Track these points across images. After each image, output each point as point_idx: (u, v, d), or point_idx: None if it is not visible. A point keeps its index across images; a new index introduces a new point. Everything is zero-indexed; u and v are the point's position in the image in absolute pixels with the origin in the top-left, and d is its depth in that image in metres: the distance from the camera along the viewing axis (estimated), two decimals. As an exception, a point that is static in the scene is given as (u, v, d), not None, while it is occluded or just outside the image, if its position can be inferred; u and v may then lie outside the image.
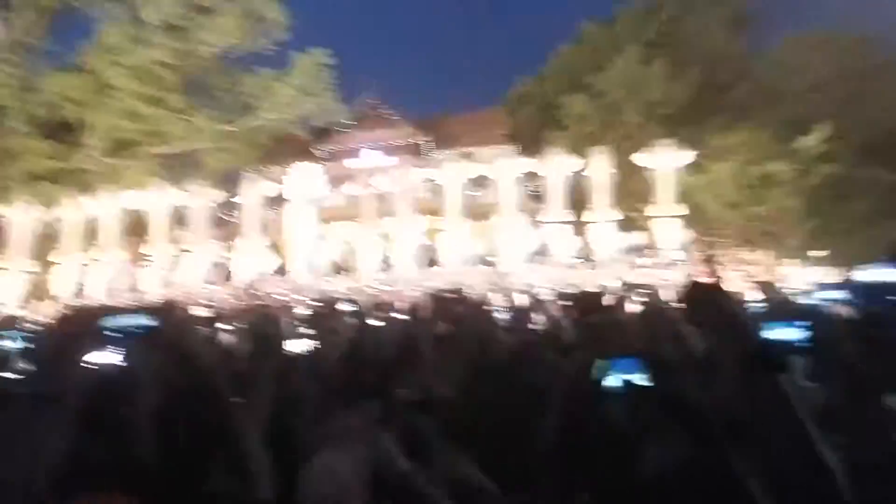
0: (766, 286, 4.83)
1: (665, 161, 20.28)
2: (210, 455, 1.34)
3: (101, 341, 1.53)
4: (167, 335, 1.43)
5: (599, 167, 20.29)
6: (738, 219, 26.03)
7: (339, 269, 21.08)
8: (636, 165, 20.56)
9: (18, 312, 14.79)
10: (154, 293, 18.35)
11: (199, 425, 1.36)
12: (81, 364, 1.48)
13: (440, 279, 16.73)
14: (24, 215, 20.97)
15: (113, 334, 1.53)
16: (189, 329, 1.37)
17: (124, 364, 1.59)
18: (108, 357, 1.60)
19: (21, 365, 1.97)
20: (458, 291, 6.31)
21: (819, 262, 22.90)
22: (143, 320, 1.51)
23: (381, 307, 6.60)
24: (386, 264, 20.41)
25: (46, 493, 1.18)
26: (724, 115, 25.63)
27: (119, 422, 1.66)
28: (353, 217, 21.83)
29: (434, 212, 23.10)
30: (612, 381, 1.25)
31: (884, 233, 22.98)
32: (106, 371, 1.58)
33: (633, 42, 28.90)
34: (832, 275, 17.36)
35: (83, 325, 1.49)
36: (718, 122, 25.53)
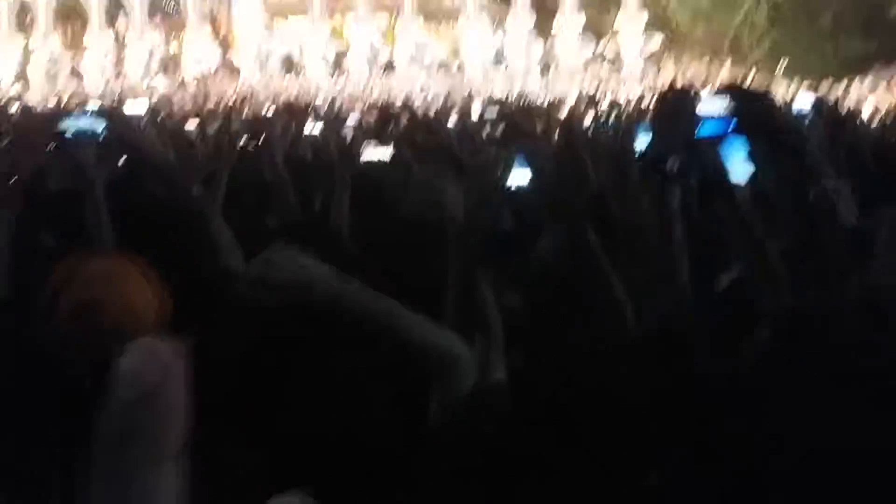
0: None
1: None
2: (182, 233, 1.55)
3: (58, 146, 1.63)
4: (121, 135, 1.55)
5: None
6: (707, 29, 25.40)
7: (289, 67, 20.12)
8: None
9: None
10: (96, 85, 17.55)
11: (166, 210, 1.56)
12: (42, 166, 1.60)
13: (396, 84, 16.36)
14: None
15: (69, 137, 1.64)
16: (140, 129, 1.49)
17: (85, 164, 1.72)
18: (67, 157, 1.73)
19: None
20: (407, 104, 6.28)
21: (780, 74, 22.95)
22: (95, 122, 1.62)
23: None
24: (337, 65, 19.55)
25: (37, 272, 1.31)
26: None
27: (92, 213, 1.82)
28: (304, 12, 20.37)
29: (391, 10, 21.72)
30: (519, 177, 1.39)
31: (843, 48, 23.02)
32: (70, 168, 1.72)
33: None
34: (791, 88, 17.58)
35: (39, 130, 1.58)
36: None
